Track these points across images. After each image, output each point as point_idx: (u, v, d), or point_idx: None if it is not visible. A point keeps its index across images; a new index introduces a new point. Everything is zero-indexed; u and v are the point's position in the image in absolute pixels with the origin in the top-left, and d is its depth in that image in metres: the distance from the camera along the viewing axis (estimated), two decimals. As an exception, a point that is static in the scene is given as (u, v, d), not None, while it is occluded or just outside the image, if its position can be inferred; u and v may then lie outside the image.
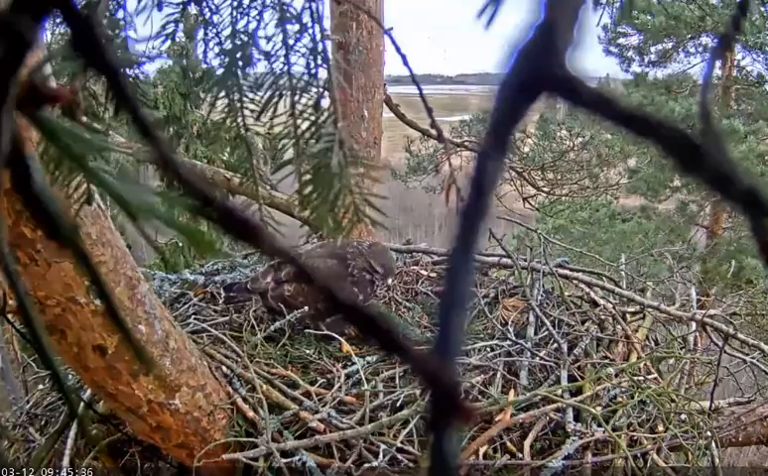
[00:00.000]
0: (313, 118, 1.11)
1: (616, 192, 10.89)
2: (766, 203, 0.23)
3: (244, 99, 1.13)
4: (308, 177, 1.09)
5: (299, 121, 1.11)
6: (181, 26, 1.15)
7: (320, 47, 1.08)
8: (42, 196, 0.30)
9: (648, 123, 0.24)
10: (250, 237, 0.27)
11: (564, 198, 10.04)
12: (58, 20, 0.31)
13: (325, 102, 1.14)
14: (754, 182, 0.23)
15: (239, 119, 1.14)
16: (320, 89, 1.10)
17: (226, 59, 1.09)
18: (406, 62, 1.47)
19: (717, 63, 9.75)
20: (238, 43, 1.09)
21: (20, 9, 0.29)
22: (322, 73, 1.12)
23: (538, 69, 0.25)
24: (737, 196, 0.23)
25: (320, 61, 1.08)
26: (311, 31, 1.08)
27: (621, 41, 11.33)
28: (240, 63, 1.10)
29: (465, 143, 7.36)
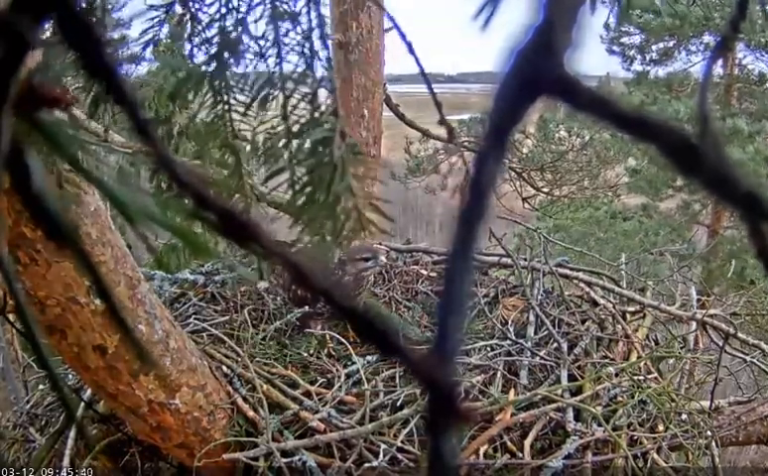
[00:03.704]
0: (308, 113, 1.04)
1: (617, 191, 10.89)
2: (765, 206, 0.23)
3: (232, 102, 1.07)
4: (304, 178, 1.02)
5: (292, 120, 1.04)
6: (165, 27, 1.12)
7: (315, 34, 1.02)
8: (42, 196, 0.30)
9: (646, 125, 0.24)
10: (249, 239, 0.27)
11: (563, 199, 10.03)
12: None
13: (322, 96, 1.07)
14: (753, 185, 0.23)
15: (227, 124, 1.08)
16: (317, 80, 1.03)
17: (213, 58, 1.05)
18: (411, 50, 1.44)
19: (719, 62, 9.74)
20: (226, 38, 1.04)
21: (20, 9, 0.29)
22: (318, 67, 1.05)
23: (537, 71, 0.25)
24: (736, 199, 0.23)
25: (317, 49, 1.02)
26: (305, 19, 1.02)
27: (624, 40, 11.33)
28: (229, 61, 1.05)
29: (465, 143, 7.35)
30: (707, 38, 10.28)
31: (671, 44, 10.87)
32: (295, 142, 1.03)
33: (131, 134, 0.30)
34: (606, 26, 10.63)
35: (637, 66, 11.33)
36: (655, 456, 2.38)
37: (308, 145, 1.02)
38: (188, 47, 1.08)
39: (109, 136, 4.56)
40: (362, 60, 4.08)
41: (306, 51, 1.00)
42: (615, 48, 11.38)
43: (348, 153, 1.01)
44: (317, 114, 1.03)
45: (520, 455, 2.28)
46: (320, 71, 1.02)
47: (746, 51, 10.47)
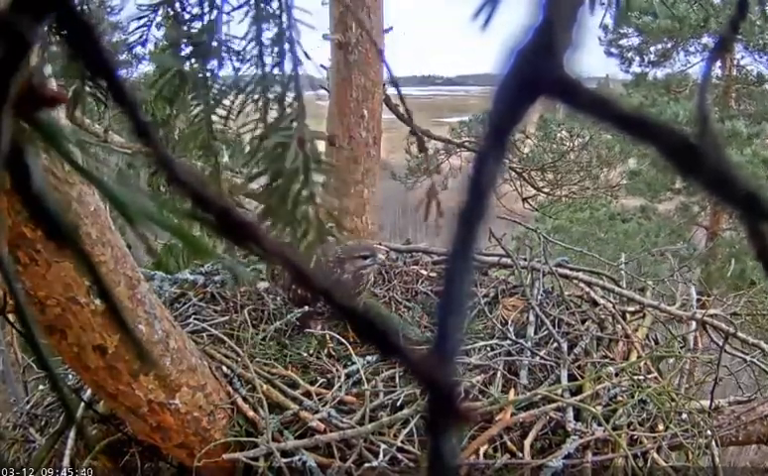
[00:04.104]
0: (276, 116, 1.01)
1: (616, 192, 10.88)
2: (765, 207, 0.23)
3: (211, 103, 1.06)
4: (267, 183, 0.99)
5: (268, 122, 1.02)
6: (160, 29, 1.11)
7: (285, 35, 0.99)
8: (41, 196, 0.30)
9: (646, 126, 0.24)
10: (249, 240, 0.27)
11: (564, 199, 10.03)
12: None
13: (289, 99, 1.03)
14: (753, 186, 0.23)
15: (207, 126, 1.06)
16: (286, 83, 1.00)
17: (193, 57, 1.03)
18: (383, 58, 1.42)
19: (717, 63, 9.73)
20: (210, 43, 1.02)
21: (20, 9, 0.29)
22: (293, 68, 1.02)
23: (536, 71, 0.25)
24: (736, 200, 0.23)
25: (286, 50, 0.99)
26: (277, 20, 0.99)
27: (622, 42, 11.34)
28: (207, 62, 1.03)
29: (465, 143, 7.35)
30: (706, 39, 10.29)
31: (669, 45, 10.88)
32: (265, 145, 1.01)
33: (131, 135, 0.30)
34: (604, 28, 10.64)
35: (635, 68, 11.35)
36: (655, 456, 2.38)
37: (267, 150, 1.00)
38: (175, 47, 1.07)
39: (109, 137, 4.56)
40: (362, 61, 4.08)
41: (274, 54, 0.98)
42: (613, 50, 11.39)
43: (307, 160, 0.99)
44: (283, 116, 1.00)
45: (520, 455, 2.28)
46: (287, 75, 0.99)
47: (744, 52, 10.48)
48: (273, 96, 1.01)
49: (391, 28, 4.30)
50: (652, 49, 11.11)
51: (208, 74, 1.05)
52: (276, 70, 0.99)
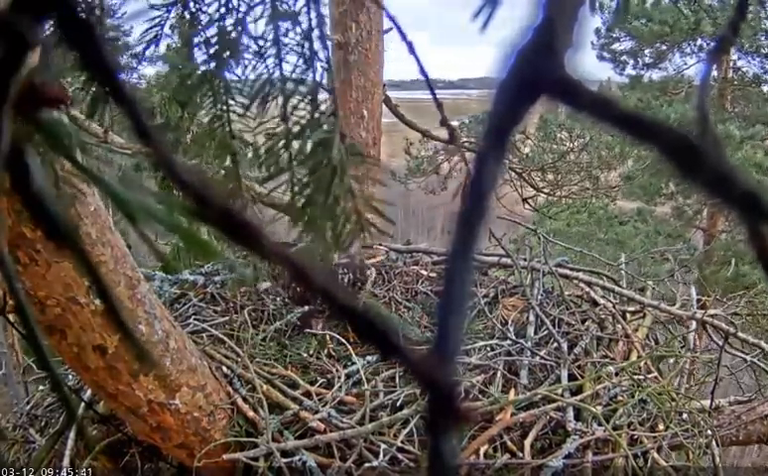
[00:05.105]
0: (308, 114, 1.02)
1: (613, 194, 10.87)
2: (765, 207, 0.23)
3: (231, 103, 1.05)
4: (304, 180, 1.00)
5: (292, 121, 1.02)
6: (175, 31, 1.11)
7: (315, 34, 1.00)
8: (42, 196, 0.30)
9: (647, 126, 0.24)
10: (250, 240, 0.27)
11: (563, 200, 10.01)
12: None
13: (322, 96, 1.05)
14: (753, 186, 0.23)
15: (225, 125, 1.06)
16: (316, 81, 1.01)
17: (212, 58, 1.03)
18: (412, 50, 1.42)
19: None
20: (225, 38, 1.02)
21: (20, 9, 0.29)
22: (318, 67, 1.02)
23: (537, 71, 0.25)
24: (736, 200, 0.23)
25: (316, 49, 0.99)
26: (305, 19, 1.00)
27: (615, 46, 11.33)
28: (227, 61, 1.03)
29: (466, 144, 7.34)
30: (701, 40, 10.27)
31: (663, 47, 10.86)
32: (295, 143, 1.01)
33: (131, 135, 0.30)
34: (596, 32, 10.62)
35: (630, 71, 11.33)
36: (655, 455, 2.38)
37: (308, 146, 1.00)
38: (190, 47, 1.07)
39: (109, 137, 4.56)
40: (361, 61, 4.08)
41: (305, 51, 0.99)
42: (606, 54, 11.38)
43: (347, 154, 1.00)
44: (316, 115, 1.01)
45: (520, 455, 2.28)
46: (318, 72, 1.00)
47: (739, 53, 10.45)
48: (300, 95, 1.01)
49: (390, 29, 4.30)
50: (647, 51, 11.09)
51: (229, 75, 1.04)
52: (304, 67, 0.99)
